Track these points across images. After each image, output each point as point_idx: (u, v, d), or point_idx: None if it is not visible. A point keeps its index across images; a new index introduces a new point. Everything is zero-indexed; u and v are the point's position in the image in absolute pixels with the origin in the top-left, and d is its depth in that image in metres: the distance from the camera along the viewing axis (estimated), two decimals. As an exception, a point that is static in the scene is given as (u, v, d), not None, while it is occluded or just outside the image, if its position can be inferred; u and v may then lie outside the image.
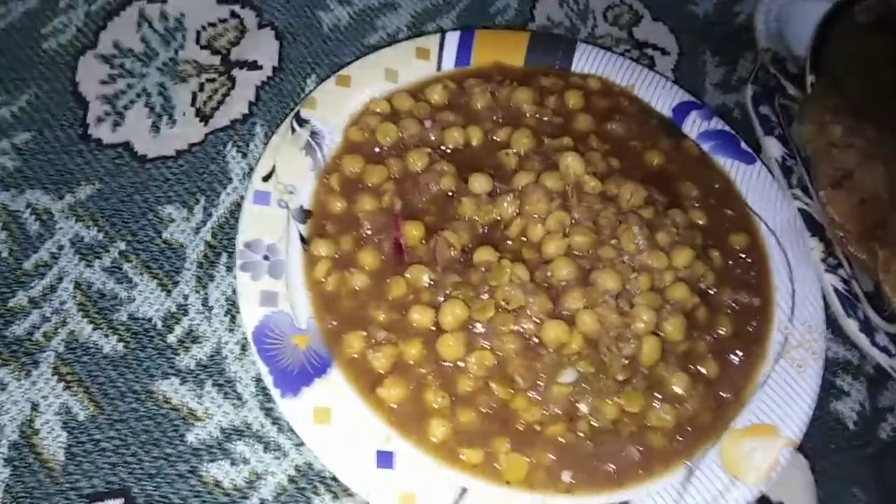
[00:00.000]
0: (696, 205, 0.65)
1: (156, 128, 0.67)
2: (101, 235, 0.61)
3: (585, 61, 0.71)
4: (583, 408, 0.53)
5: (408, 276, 0.56)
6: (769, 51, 0.72)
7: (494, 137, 0.64)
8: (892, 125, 0.64)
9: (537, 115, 0.66)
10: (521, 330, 0.54)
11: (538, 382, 0.54)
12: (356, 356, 0.54)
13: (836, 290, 0.61)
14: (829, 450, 0.61)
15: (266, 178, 0.59)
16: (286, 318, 0.54)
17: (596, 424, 0.53)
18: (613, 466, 0.52)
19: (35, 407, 0.54)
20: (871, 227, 0.59)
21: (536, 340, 0.54)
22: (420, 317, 0.55)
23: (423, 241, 0.58)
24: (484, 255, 0.57)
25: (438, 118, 0.64)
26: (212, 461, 0.53)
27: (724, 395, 0.56)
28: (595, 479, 0.52)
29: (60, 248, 0.60)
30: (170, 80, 0.70)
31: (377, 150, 0.63)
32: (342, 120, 0.64)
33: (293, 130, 0.62)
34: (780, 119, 0.69)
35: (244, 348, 0.57)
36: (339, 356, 0.54)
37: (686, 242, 0.59)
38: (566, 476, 0.52)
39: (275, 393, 0.51)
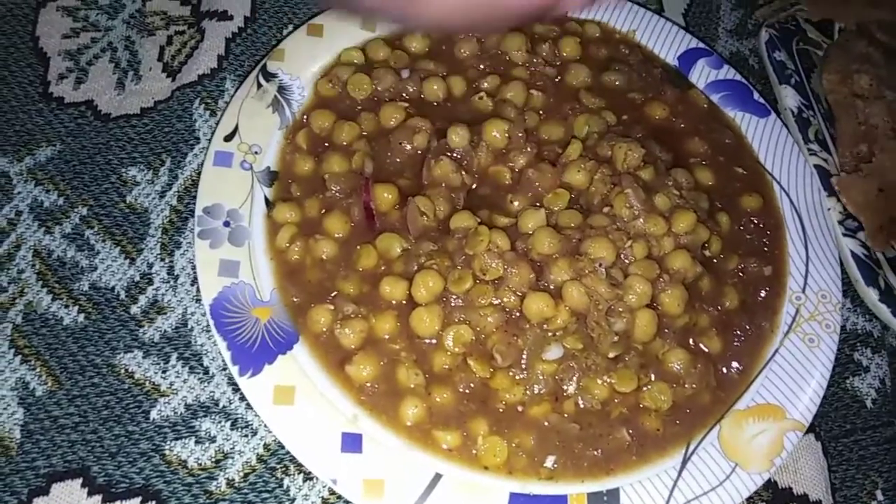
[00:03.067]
0: (704, 163, 0.59)
1: (121, 84, 0.63)
2: (61, 200, 0.58)
3: (584, 5, 0.65)
4: (569, 387, 0.49)
5: (378, 244, 0.52)
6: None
7: (479, 87, 0.59)
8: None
9: (528, 66, 0.60)
10: (501, 303, 0.50)
11: (520, 360, 0.49)
12: (323, 331, 0.50)
13: (854, 256, 0.55)
14: (843, 431, 0.56)
15: (228, 138, 0.55)
16: (248, 290, 0.51)
17: (583, 405, 0.49)
18: (601, 451, 0.48)
19: (-10, 382, 0.52)
20: (892, 221, 0.53)
21: (518, 314, 0.50)
22: (392, 289, 0.51)
23: (397, 207, 0.53)
24: (461, 221, 0.52)
25: (417, 68, 0.59)
26: (176, 439, 0.51)
27: (727, 374, 0.52)
28: (581, 465, 0.48)
29: (18, 213, 0.57)
30: (136, 34, 0.65)
31: (350, 104, 0.58)
32: (313, 73, 0.59)
33: (259, 86, 0.57)
34: (799, 66, 0.62)
35: (210, 320, 0.54)
36: (305, 331, 0.50)
37: (689, 205, 0.54)
38: (550, 461, 0.48)
39: (234, 370, 0.48)
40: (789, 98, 0.61)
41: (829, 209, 0.58)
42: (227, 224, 0.53)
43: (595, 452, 0.48)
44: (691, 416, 0.50)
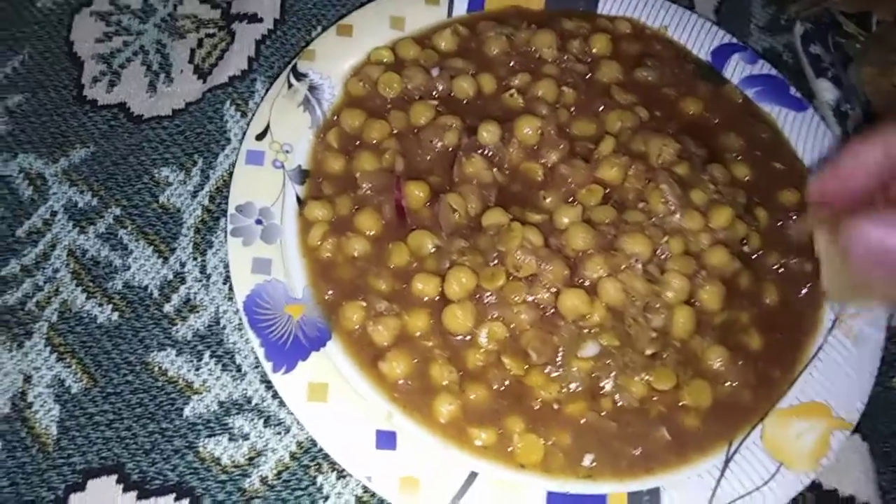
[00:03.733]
0: (740, 158, 0.58)
1: (152, 87, 0.63)
2: (95, 200, 0.58)
3: (613, 2, 0.65)
4: (606, 385, 0.48)
5: (410, 242, 0.52)
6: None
7: (509, 84, 0.58)
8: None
9: (558, 63, 0.60)
10: (535, 300, 0.49)
11: (556, 357, 0.49)
12: (356, 328, 0.50)
13: (900, 252, 0.53)
14: (891, 431, 0.55)
15: (260, 137, 0.55)
16: (280, 287, 0.50)
17: (621, 403, 0.48)
18: (640, 450, 0.47)
19: (27, 379, 0.52)
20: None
21: (553, 311, 0.49)
22: (424, 286, 0.50)
23: (428, 204, 0.53)
24: (493, 217, 0.51)
25: (446, 66, 0.59)
26: (210, 436, 0.50)
27: (769, 371, 0.50)
28: (620, 464, 0.47)
29: (53, 213, 0.58)
30: (167, 37, 0.66)
31: (380, 103, 0.58)
32: (343, 73, 0.59)
33: (290, 85, 0.58)
34: (835, 59, 0.61)
35: (243, 318, 0.54)
36: (338, 328, 0.50)
37: (726, 201, 0.53)
38: (587, 460, 0.47)
39: (267, 367, 0.48)
40: (827, 91, 0.60)
41: (870, 203, 0.56)
42: (259, 222, 0.53)
43: (634, 451, 0.47)
44: (733, 414, 0.49)
